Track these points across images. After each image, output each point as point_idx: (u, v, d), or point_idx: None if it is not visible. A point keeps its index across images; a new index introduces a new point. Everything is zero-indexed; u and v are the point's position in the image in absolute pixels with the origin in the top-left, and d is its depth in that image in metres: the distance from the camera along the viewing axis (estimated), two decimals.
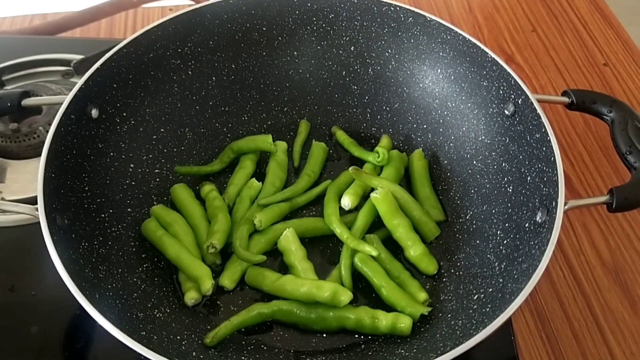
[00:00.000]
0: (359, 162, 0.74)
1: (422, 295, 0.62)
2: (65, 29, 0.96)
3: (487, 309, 0.56)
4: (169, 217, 0.67)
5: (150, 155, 0.71)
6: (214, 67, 0.76)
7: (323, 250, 0.68)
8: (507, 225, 0.63)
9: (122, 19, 1.00)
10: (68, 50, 0.88)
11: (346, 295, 0.59)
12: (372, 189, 0.69)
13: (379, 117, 0.79)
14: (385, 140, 0.76)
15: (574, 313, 0.68)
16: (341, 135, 0.77)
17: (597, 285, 0.71)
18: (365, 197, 0.70)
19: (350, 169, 0.69)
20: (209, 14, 0.73)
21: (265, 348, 0.60)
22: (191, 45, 0.73)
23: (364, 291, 0.64)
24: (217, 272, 0.65)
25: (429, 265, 0.65)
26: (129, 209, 0.67)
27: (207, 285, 0.61)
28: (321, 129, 0.79)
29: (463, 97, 0.72)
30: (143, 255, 0.65)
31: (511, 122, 0.66)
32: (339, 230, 0.65)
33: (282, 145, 0.74)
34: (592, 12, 1.04)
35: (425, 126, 0.76)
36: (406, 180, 0.74)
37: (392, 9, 0.73)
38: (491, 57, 0.67)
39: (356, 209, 0.69)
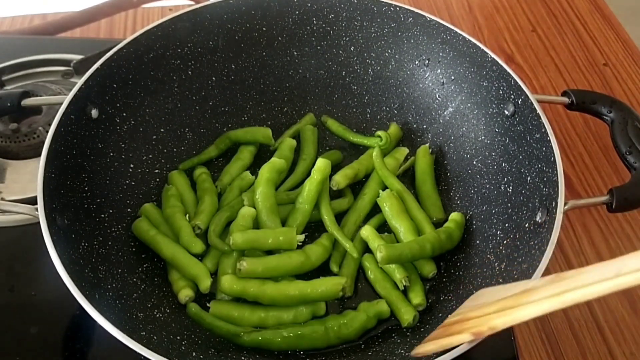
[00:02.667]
0: (352, 153, 0.76)
1: (417, 299, 0.62)
2: (65, 29, 0.97)
3: None
4: (160, 215, 0.67)
5: (150, 155, 0.71)
6: (214, 67, 0.76)
7: None
8: (507, 225, 0.63)
9: (122, 19, 1.00)
10: (68, 50, 0.88)
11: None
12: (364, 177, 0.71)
13: (378, 117, 0.79)
14: (393, 127, 0.76)
15: (574, 313, 0.68)
16: (333, 124, 0.77)
17: None
18: (356, 181, 0.71)
19: (374, 152, 0.70)
20: (209, 14, 0.73)
21: (264, 348, 0.60)
22: (191, 45, 0.73)
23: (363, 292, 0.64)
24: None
25: (424, 266, 0.65)
26: (129, 209, 0.67)
27: (206, 283, 0.61)
28: (321, 128, 0.79)
29: (463, 97, 0.72)
30: (143, 256, 0.65)
31: (511, 122, 0.66)
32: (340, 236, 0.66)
33: (290, 142, 0.74)
34: (592, 12, 1.04)
35: (424, 126, 0.76)
36: (411, 174, 0.74)
37: (392, 9, 0.73)
38: (491, 57, 0.67)
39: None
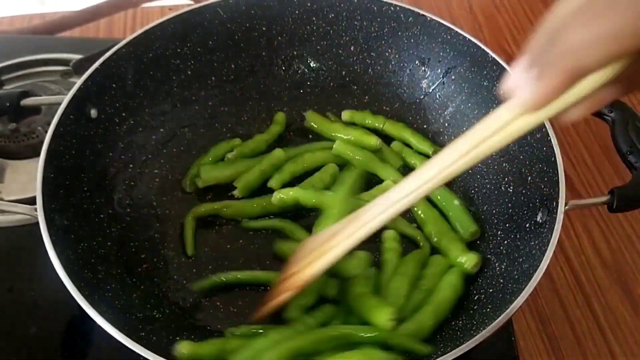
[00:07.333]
0: None
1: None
2: (64, 29, 0.96)
3: (488, 309, 0.55)
4: None
5: (150, 156, 0.71)
6: (214, 67, 0.75)
7: None
8: (507, 225, 0.63)
9: (121, 18, 1.00)
10: (67, 50, 0.88)
11: None
12: None
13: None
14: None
15: (575, 313, 0.68)
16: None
17: (598, 285, 0.70)
18: None
19: None
20: (209, 14, 0.73)
21: None
22: (191, 45, 0.73)
23: None
24: None
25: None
26: (128, 210, 0.67)
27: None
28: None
29: (463, 98, 0.72)
30: (142, 256, 0.65)
31: None
32: None
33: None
34: None
35: (425, 127, 0.76)
36: None
37: (392, 8, 0.73)
38: (492, 57, 0.67)
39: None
